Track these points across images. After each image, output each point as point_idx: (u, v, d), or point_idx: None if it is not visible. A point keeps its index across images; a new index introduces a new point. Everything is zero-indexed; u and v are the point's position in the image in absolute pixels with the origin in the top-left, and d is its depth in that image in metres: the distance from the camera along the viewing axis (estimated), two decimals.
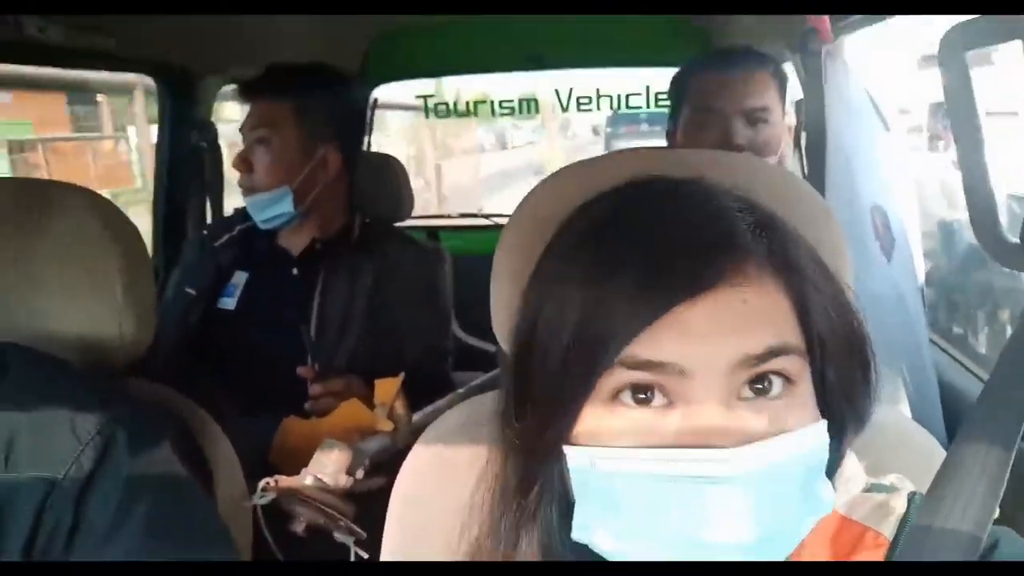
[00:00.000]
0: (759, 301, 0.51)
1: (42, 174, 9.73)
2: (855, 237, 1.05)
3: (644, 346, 0.50)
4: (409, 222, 2.02)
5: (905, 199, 1.13)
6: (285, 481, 0.85)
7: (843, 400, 0.56)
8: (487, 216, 2.89)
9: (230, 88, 1.67)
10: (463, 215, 2.90)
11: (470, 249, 2.66)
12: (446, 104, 2.70)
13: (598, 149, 6.38)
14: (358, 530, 0.85)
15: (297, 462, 1.16)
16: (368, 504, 1.01)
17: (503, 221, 2.52)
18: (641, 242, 0.52)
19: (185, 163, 1.89)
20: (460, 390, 1.39)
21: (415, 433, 1.14)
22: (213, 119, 1.92)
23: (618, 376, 0.51)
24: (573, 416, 0.53)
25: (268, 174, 1.57)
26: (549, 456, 0.55)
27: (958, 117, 0.66)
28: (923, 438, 0.73)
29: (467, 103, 2.72)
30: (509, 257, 0.71)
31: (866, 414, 0.58)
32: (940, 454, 0.70)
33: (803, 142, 1.61)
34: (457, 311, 2.11)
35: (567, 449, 0.53)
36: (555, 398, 0.53)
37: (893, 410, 0.78)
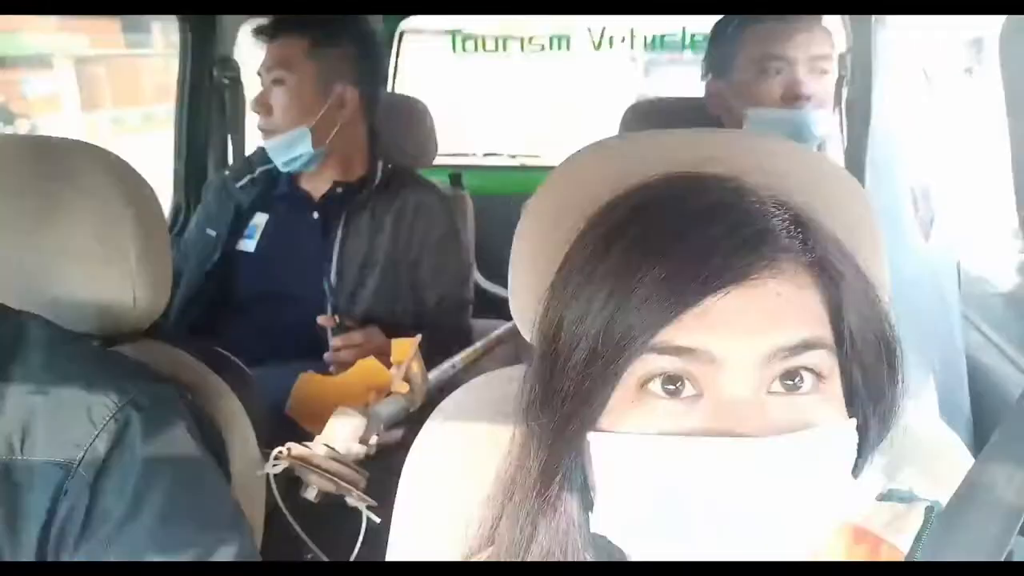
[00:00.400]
0: (793, 295, 0.51)
1: (102, 87, 9.69)
2: (892, 212, 1.01)
3: (675, 333, 0.49)
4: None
5: (951, 169, 1.08)
6: (297, 450, 0.85)
7: (869, 402, 0.55)
8: (513, 156, 2.85)
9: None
10: (488, 154, 2.85)
11: (495, 190, 2.63)
12: (475, 38, 2.63)
13: (635, 76, 6.16)
14: (369, 500, 0.85)
15: (314, 417, 1.17)
16: (384, 459, 1.02)
17: (529, 162, 2.48)
18: (674, 237, 0.51)
19: (206, 100, 1.85)
20: (477, 344, 1.39)
21: (431, 393, 1.15)
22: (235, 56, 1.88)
23: (647, 363, 0.50)
24: (600, 405, 0.52)
25: (286, 115, 1.55)
26: (572, 447, 0.55)
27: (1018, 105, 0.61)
28: (948, 437, 0.70)
29: (496, 39, 2.64)
30: (529, 244, 0.68)
31: (890, 419, 0.57)
32: (964, 456, 0.69)
33: (844, 97, 1.55)
34: (478, 256, 2.10)
35: (591, 435, 0.53)
36: (582, 388, 0.52)
37: (919, 405, 0.75)
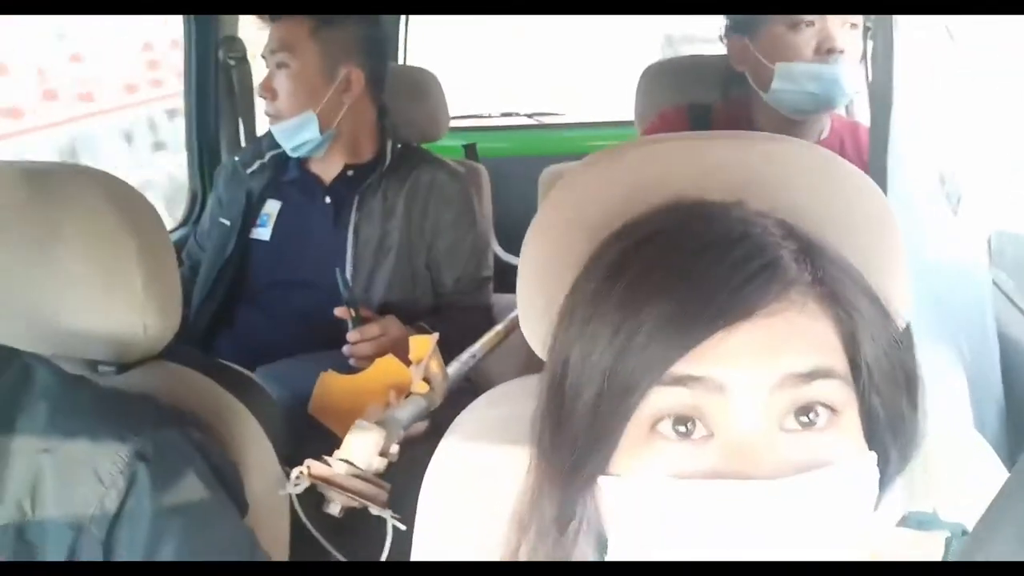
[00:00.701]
0: (804, 324, 0.49)
1: None
2: (917, 185, 0.97)
3: (682, 364, 0.48)
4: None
5: (981, 137, 1.03)
6: (317, 468, 0.85)
7: (889, 434, 0.54)
8: (530, 115, 2.79)
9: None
10: (505, 114, 2.79)
11: (513, 151, 2.59)
12: None
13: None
14: (392, 513, 0.86)
15: (336, 416, 1.17)
16: (409, 451, 1.02)
17: (547, 120, 2.41)
18: (679, 272, 0.50)
19: (214, 82, 1.83)
20: (497, 327, 1.37)
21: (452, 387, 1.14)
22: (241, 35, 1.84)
23: (656, 399, 0.49)
24: (610, 449, 0.51)
25: (291, 100, 1.53)
26: (584, 492, 0.54)
27: None
28: (978, 448, 0.68)
29: None
30: (535, 263, 0.66)
31: (912, 449, 0.56)
32: (996, 468, 0.67)
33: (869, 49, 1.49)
34: (497, 225, 2.06)
35: (601, 480, 0.52)
36: (591, 430, 0.52)
37: (944, 413, 0.73)
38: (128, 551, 0.64)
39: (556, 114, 2.80)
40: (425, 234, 1.59)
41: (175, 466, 0.68)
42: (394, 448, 0.93)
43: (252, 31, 1.74)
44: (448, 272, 1.62)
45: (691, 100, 1.54)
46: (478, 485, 0.72)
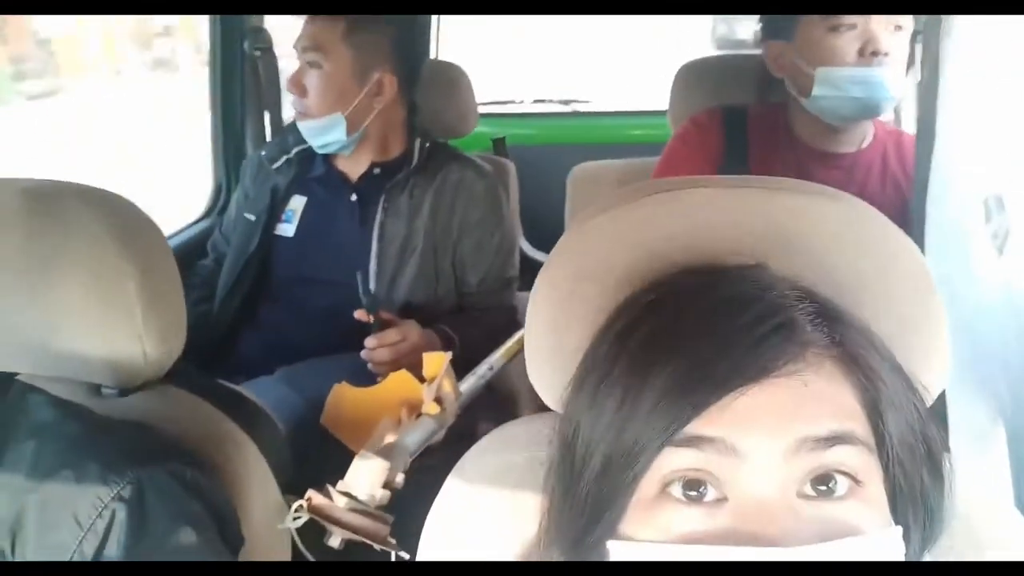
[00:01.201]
0: (821, 387, 0.48)
1: None
2: (959, 222, 0.91)
3: (693, 425, 0.47)
4: (480, 109, 1.90)
5: None
6: (318, 500, 0.83)
7: (910, 508, 0.51)
8: (565, 101, 2.73)
9: None
10: (537, 100, 2.73)
11: (546, 139, 2.54)
12: None
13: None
14: (393, 546, 0.84)
15: (348, 429, 1.16)
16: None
17: (582, 108, 2.36)
18: (690, 332, 0.49)
19: (239, 74, 1.80)
20: (515, 335, 1.33)
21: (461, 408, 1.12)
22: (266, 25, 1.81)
23: (667, 460, 0.47)
24: (619, 512, 0.50)
25: (320, 100, 1.50)
26: (594, 555, 0.52)
27: None
28: (1018, 529, 0.63)
29: None
30: (542, 314, 0.63)
31: (936, 529, 0.53)
32: None
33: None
34: (525, 219, 2.02)
35: (610, 544, 0.50)
36: (600, 495, 0.50)
37: (980, 484, 0.68)
38: None
39: (588, 102, 2.74)
40: (451, 233, 1.56)
41: (156, 508, 0.66)
42: (399, 478, 0.91)
43: (278, 20, 1.71)
44: (473, 272, 1.59)
45: (727, 102, 1.48)
46: (480, 530, 0.70)
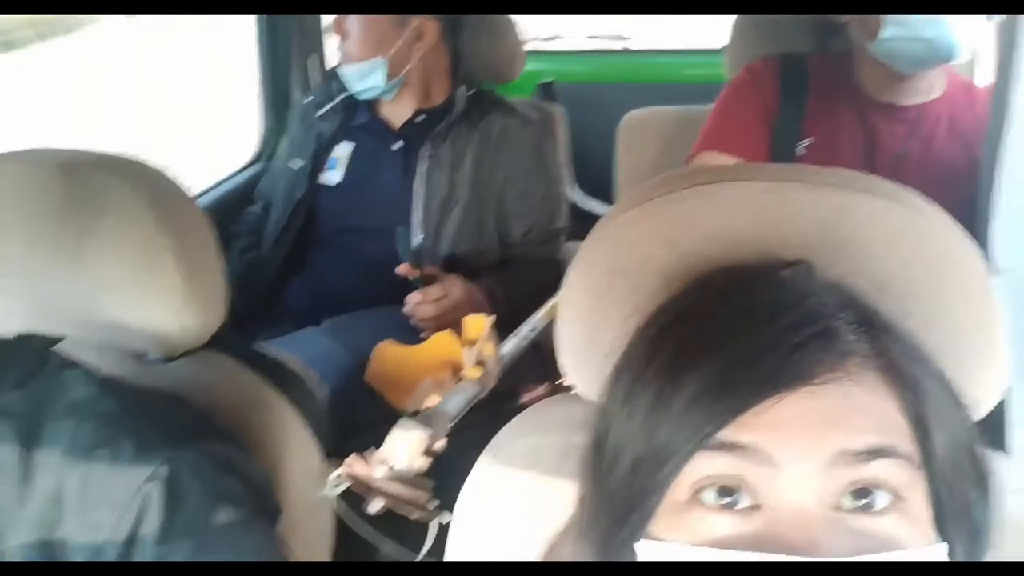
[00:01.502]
0: (863, 398, 0.46)
1: None
2: None
3: (728, 430, 0.45)
4: (528, 46, 1.85)
5: None
6: (357, 468, 0.84)
7: (952, 528, 0.49)
8: (617, 38, 2.64)
9: None
10: (591, 37, 2.65)
11: (597, 77, 2.46)
12: None
13: None
14: (433, 512, 0.84)
15: (392, 387, 1.17)
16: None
17: (633, 46, 2.24)
18: (727, 334, 0.48)
19: (284, 19, 1.78)
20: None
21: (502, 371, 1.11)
22: None
23: (700, 466, 0.46)
24: (648, 513, 0.49)
25: (360, 44, 1.49)
26: (622, 555, 0.51)
27: None
28: None
29: None
30: (576, 307, 0.62)
31: (981, 550, 0.51)
32: None
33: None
34: (577, 162, 1.96)
35: (639, 544, 0.49)
36: (629, 495, 0.50)
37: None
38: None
39: (633, 39, 2.64)
40: (495, 184, 1.54)
41: (190, 488, 0.67)
42: (440, 443, 0.91)
43: None
44: (517, 224, 1.57)
45: (785, 50, 1.40)
46: (510, 514, 0.71)
